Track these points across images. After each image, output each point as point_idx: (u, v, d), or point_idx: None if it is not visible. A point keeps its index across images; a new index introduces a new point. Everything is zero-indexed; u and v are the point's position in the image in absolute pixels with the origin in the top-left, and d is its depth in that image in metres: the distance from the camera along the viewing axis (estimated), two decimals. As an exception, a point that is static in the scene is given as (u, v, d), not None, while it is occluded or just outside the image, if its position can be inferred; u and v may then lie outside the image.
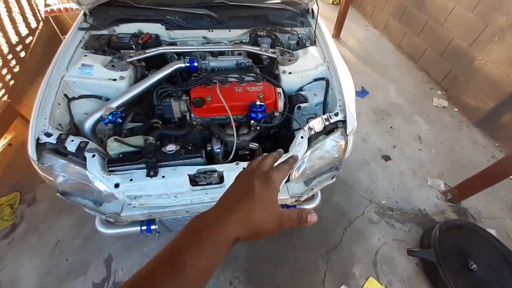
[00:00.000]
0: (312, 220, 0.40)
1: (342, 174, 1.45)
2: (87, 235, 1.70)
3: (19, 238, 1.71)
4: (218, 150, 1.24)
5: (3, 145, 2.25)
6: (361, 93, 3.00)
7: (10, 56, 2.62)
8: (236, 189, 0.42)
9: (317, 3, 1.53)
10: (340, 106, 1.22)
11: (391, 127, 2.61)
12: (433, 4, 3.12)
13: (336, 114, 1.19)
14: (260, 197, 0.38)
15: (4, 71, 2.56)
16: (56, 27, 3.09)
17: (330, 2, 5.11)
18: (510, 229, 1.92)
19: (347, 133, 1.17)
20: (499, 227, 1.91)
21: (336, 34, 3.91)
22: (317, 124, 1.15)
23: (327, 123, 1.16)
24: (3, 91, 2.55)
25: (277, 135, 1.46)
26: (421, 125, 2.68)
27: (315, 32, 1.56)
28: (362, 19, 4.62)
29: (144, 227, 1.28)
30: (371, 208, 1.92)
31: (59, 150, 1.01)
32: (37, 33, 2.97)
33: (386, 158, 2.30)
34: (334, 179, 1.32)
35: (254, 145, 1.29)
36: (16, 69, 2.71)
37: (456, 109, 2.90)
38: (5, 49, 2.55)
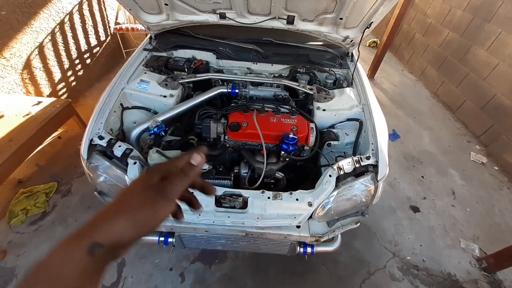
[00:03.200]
0: (196, 160, 0.40)
1: (365, 219, 1.37)
2: None
3: (46, 227, 1.83)
4: (245, 175, 1.28)
5: (53, 137, 2.50)
6: (392, 136, 2.93)
7: (77, 61, 3.03)
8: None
9: (358, 49, 1.61)
10: (373, 150, 1.21)
11: (423, 177, 2.47)
12: (475, 58, 3.08)
13: (368, 158, 1.18)
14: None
15: (69, 73, 2.95)
16: (120, 42, 3.55)
17: (367, 45, 5.26)
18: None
19: (378, 179, 1.14)
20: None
21: (371, 75, 3.96)
22: (347, 165, 1.15)
23: (357, 165, 1.15)
24: (64, 90, 2.91)
25: (303, 167, 1.47)
26: (456, 179, 2.50)
27: (353, 75, 1.61)
28: (398, 64, 4.65)
29: (162, 238, 1.31)
30: (394, 263, 1.76)
31: (107, 153, 1.12)
32: (104, 45, 3.43)
33: (415, 209, 2.15)
34: (359, 224, 1.26)
35: (279, 175, 1.31)
36: (80, 73, 3.10)
37: (496, 168, 2.69)
38: (74, 55, 2.96)
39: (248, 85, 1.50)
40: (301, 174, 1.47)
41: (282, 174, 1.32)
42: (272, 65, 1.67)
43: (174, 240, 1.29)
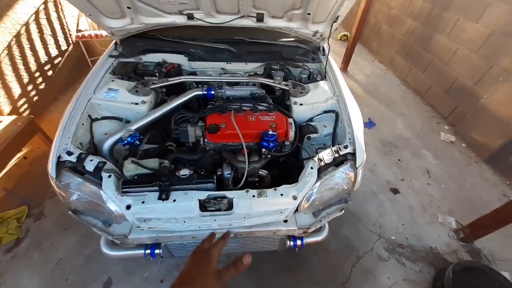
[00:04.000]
0: (246, 261, 0.61)
1: (350, 206, 1.43)
2: (89, 254, 1.67)
3: (22, 253, 1.70)
4: (228, 176, 1.26)
5: (18, 158, 2.32)
6: (368, 124, 3.05)
7: (37, 74, 2.82)
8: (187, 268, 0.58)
9: (328, 43, 1.65)
10: (350, 139, 1.25)
11: (399, 160, 2.60)
12: (437, 45, 3.29)
13: (346, 147, 1.21)
14: (199, 269, 0.55)
15: (30, 87, 2.74)
16: (84, 50, 3.35)
17: (338, 38, 5.43)
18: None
19: (357, 166, 1.18)
20: (513, 270, 1.79)
21: (344, 68, 4.09)
22: (326, 156, 1.17)
23: (336, 155, 1.18)
24: (26, 105, 2.70)
25: (286, 163, 1.48)
26: (429, 159, 2.66)
27: (325, 68, 1.65)
28: (368, 55, 4.85)
29: (148, 251, 1.26)
30: (380, 244, 1.85)
31: (78, 168, 1.05)
32: (66, 55, 3.22)
33: (395, 191, 2.27)
34: (343, 211, 1.30)
35: (263, 172, 1.31)
36: (42, 86, 2.89)
37: (464, 145, 2.90)
38: (34, 67, 2.76)
39: (224, 85, 1.48)
40: (284, 169, 1.48)
41: (266, 172, 1.32)
42: (246, 63, 1.66)
43: (161, 251, 1.25)
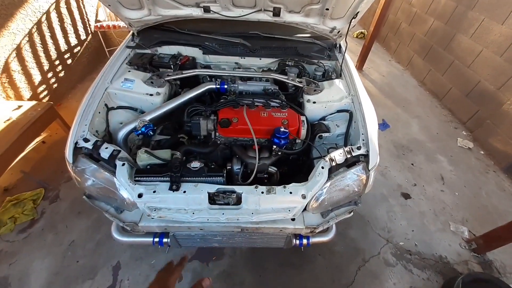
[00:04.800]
0: (206, 284, 0.59)
1: (359, 208, 1.40)
2: (100, 239, 1.74)
3: (36, 234, 1.78)
4: (238, 170, 1.27)
5: (37, 142, 2.42)
6: (382, 125, 2.98)
7: (57, 62, 2.91)
8: None
9: (345, 40, 1.61)
10: (363, 140, 1.22)
11: (412, 164, 2.53)
12: (460, 46, 3.14)
13: (359, 148, 1.19)
14: None
15: (50, 74, 2.83)
16: (102, 41, 3.43)
17: (355, 36, 5.29)
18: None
19: (369, 168, 1.16)
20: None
21: (359, 66, 3.99)
22: (338, 156, 1.16)
23: (348, 156, 1.16)
24: (46, 92, 2.80)
25: (296, 161, 1.48)
26: (444, 165, 2.58)
27: (341, 66, 1.62)
28: (385, 54, 4.71)
29: (156, 239, 1.29)
30: (387, 249, 1.81)
31: (93, 155, 1.09)
32: (85, 44, 3.30)
33: (406, 196, 2.21)
34: (352, 213, 1.29)
35: (273, 169, 1.31)
36: (61, 74, 2.99)
37: (482, 152, 2.78)
38: (54, 55, 2.85)
39: (237, 80, 1.48)
40: (294, 167, 1.48)
41: (275, 169, 1.32)
42: (260, 59, 1.65)
43: (169, 240, 1.28)
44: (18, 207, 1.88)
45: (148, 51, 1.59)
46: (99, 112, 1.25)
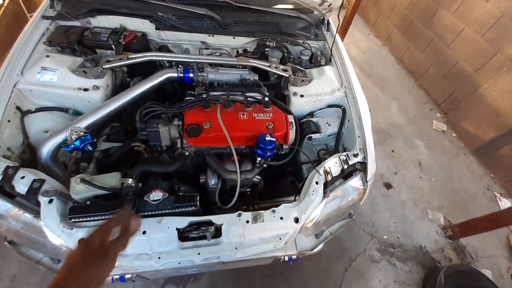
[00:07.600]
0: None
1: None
2: (46, 272, 1.45)
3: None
4: (214, 186, 1.08)
5: None
6: (363, 109, 2.96)
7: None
8: None
9: (338, 16, 1.40)
10: (360, 145, 1.11)
11: (393, 151, 2.59)
12: (441, 22, 3.15)
13: (356, 155, 1.08)
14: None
15: None
16: (22, 4, 2.69)
17: (333, 4, 5.05)
18: (503, 268, 1.97)
19: (367, 179, 1.07)
20: (493, 266, 1.95)
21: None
22: (334, 167, 1.03)
23: (345, 166, 1.05)
24: None
25: (281, 167, 1.32)
26: (422, 150, 2.69)
27: (331, 49, 1.43)
28: (364, 26, 4.61)
29: (116, 276, 1.08)
30: (372, 245, 1.86)
31: (5, 189, 0.79)
32: (1, 10, 2.54)
33: (388, 186, 2.27)
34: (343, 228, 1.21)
35: (256, 179, 1.14)
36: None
37: (454, 134, 2.97)
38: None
39: (206, 67, 1.21)
40: (279, 173, 1.33)
41: (259, 177, 1.16)
42: (234, 37, 1.37)
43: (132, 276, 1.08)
44: None
45: (76, 23, 1.18)
46: (9, 121, 0.92)
